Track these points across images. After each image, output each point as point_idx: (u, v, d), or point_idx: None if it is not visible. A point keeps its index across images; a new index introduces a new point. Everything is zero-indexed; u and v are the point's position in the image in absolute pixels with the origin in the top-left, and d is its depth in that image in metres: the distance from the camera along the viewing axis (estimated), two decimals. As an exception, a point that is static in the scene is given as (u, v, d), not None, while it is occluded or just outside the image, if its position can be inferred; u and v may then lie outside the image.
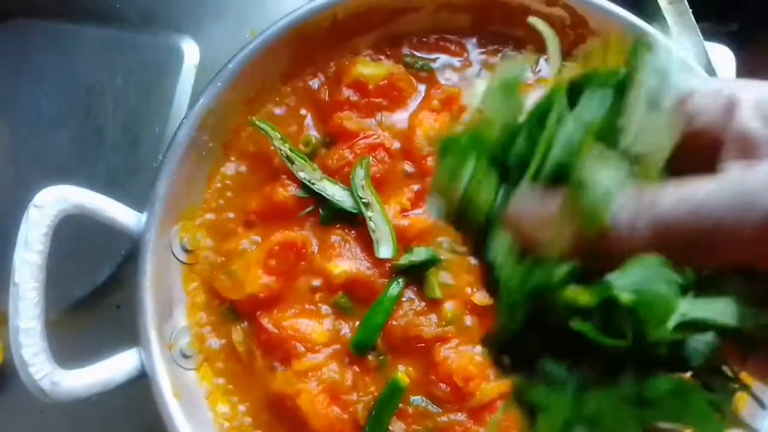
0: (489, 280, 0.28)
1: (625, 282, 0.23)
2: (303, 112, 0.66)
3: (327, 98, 0.66)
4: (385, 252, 0.59)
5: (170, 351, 0.57)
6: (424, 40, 0.68)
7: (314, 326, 0.59)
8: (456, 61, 0.68)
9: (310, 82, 0.67)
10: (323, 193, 0.61)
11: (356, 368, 0.58)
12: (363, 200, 0.60)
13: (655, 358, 0.24)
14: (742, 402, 0.55)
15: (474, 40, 0.69)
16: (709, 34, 0.73)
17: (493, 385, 0.56)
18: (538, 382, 0.27)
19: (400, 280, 0.59)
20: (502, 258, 0.27)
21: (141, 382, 0.55)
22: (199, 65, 0.75)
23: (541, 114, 0.27)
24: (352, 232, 0.61)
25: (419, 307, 0.59)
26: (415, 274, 0.59)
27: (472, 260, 0.58)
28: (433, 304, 0.59)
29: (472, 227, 0.29)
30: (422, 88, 0.67)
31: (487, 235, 0.28)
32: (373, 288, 0.59)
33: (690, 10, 0.71)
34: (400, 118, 0.65)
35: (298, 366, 0.57)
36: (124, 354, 0.54)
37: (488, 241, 0.28)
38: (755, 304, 0.24)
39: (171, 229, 0.60)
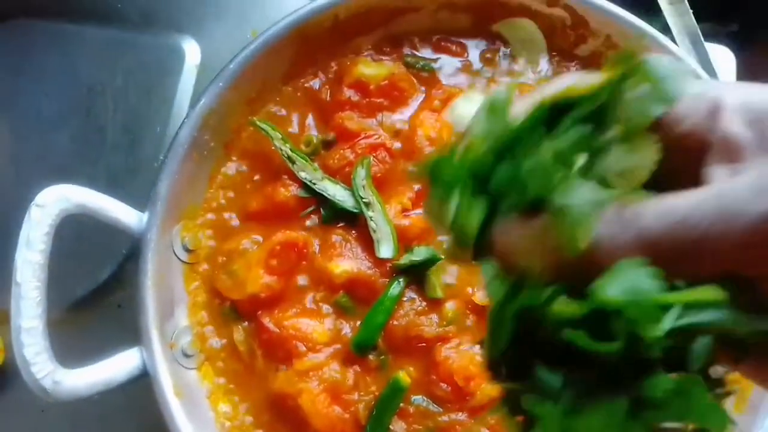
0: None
1: (612, 286, 0.23)
2: (304, 112, 0.66)
3: (328, 98, 0.66)
4: (385, 252, 0.59)
5: (172, 350, 0.57)
6: (425, 40, 0.68)
7: (315, 326, 0.59)
8: (457, 62, 0.68)
9: (312, 82, 0.67)
10: (324, 193, 0.61)
11: (357, 368, 0.58)
12: (364, 200, 0.60)
13: (650, 364, 0.24)
14: (743, 403, 0.55)
15: (475, 40, 0.69)
16: (710, 35, 0.74)
17: (493, 385, 0.56)
18: (533, 391, 0.27)
19: (400, 279, 0.59)
20: (489, 281, 0.28)
21: (142, 382, 0.55)
22: (200, 65, 0.76)
23: (521, 137, 0.27)
24: (353, 231, 0.61)
25: (420, 307, 0.59)
26: (416, 274, 0.60)
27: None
28: (434, 304, 0.59)
29: (466, 251, 0.29)
30: (423, 88, 0.67)
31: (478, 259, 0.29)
32: (374, 288, 0.59)
33: (690, 11, 0.72)
34: (401, 118, 0.65)
35: (300, 365, 0.57)
36: (125, 353, 0.54)
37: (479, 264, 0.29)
38: (745, 310, 0.24)
39: (172, 228, 0.60)
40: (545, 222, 0.25)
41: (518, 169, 0.26)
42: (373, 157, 0.62)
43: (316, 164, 0.63)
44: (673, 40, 0.69)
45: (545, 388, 0.26)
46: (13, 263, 0.51)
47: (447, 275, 0.60)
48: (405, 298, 0.59)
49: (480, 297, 0.59)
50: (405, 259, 0.59)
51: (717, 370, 0.26)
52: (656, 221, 0.24)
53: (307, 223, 0.62)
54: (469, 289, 0.59)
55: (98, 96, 0.76)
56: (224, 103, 0.61)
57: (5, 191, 0.72)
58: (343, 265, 0.59)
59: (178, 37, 0.77)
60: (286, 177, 0.63)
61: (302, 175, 0.62)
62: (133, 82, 0.75)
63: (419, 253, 0.59)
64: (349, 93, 0.65)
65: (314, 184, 0.61)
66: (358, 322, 0.59)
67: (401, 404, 0.57)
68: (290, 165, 0.62)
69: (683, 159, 0.27)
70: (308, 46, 0.65)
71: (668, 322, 0.23)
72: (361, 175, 0.61)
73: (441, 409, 0.57)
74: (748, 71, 0.76)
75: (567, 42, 0.67)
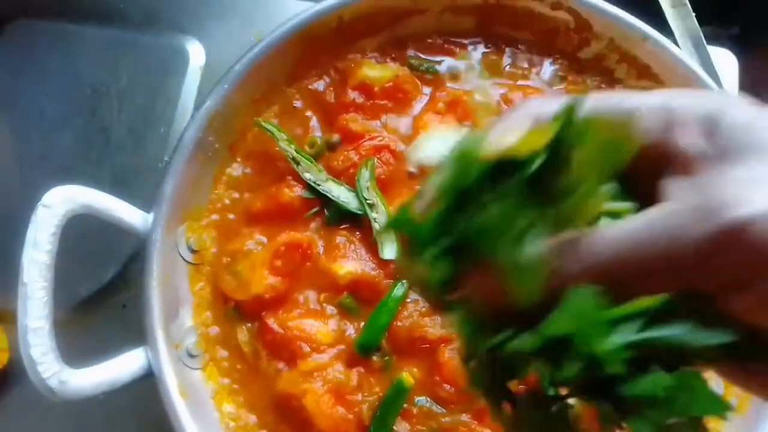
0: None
1: (561, 316, 0.25)
2: (309, 113, 0.66)
3: (332, 100, 0.66)
4: (389, 253, 0.59)
5: (176, 351, 0.57)
6: (430, 42, 0.69)
7: (319, 327, 0.59)
8: (461, 64, 0.68)
9: (316, 84, 0.67)
10: (328, 195, 0.62)
11: (361, 369, 0.58)
12: (368, 201, 0.61)
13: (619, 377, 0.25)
14: (745, 404, 0.55)
15: (479, 42, 0.69)
16: (711, 38, 0.74)
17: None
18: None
19: (404, 281, 0.60)
20: (457, 327, 0.29)
21: (147, 382, 0.55)
22: (205, 66, 0.76)
23: (471, 192, 0.27)
24: (357, 233, 0.62)
25: (424, 308, 0.59)
26: (420, 275, 0.60)
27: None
28: (438, 305, 0.59)
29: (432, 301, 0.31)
30: (427, 90, 0.67)
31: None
32: (378, 289, 0.60)
33: (693, 14, 0.72)
34: (405, 120, 0.66)
35: (304, 366, 0.57)
36: (130, 353, 0.55)
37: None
38: (707, 324, 0.24)
39: (177, 229, 0.60)
40: (498, 274, 0.26)
41: (469, 225, 0.27)
42: (377, 158, 0.63)
43: (320, 165, 0.63)
44: (675, 43, 0.69)
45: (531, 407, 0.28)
46: (20, 263, 0.51)
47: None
48: (409, 300, 0.59)
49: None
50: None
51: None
52: (605, 249, 0.25)
53: (312, 224, 0.62)
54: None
55: (102, 97, 0.76)
56: (229, 104, 0.61)
57: (10, 192, 0.72)
58: (347, 267, 0.60)
59: (182, 38, 0.77)
60: (290, 178, 0.63)
61: (307, 176, 0.62)
62: (137, 83, 0.76)
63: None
64: (353, 95, 0.65)
65: (318, 185, 0.62)
66: (362, 323, 0.59)
67: (405, 405, 0.57)
68: (295, 166, 0.62)
69: (646, 172, 0.27)
70: (313, 48, 0.65)
71: (619, 337, 0.24)
72: (365, 176, 0.61)
73: (444, 410, 0.57)
74: (749, 74, 0.76)
75: (570, 45, 0.67)
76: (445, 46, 0.69)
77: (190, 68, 0.76)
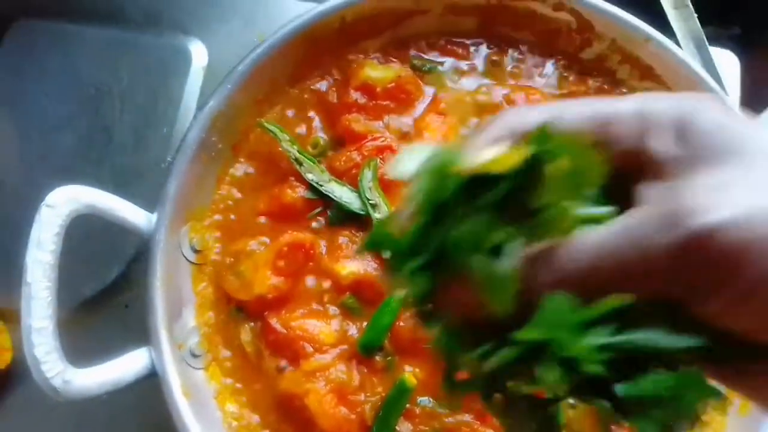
0: None
1: (535, 324, 0.25)
2: (311, 114, 0.67)
3: (335, 100, 0.66)
4: (392, 253, 0.59)
5: (180, 350, 0.57)
6: (432, 43, 0.69)
7: (322, 327, 0.59)
8: (463, 64, 0.68)
9: (318, 85, 0.67)
10: (331, 195, 0.62)
11: (364, 369, 0.58)
12: (370, 202, 0.61)
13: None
14: (747, 404, 0.55)
15: (481, 43, 0.69)
16: (713, 39, 0.74)
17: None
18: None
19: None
20: (436, 341, 0.30)
21: (150, 381, 0.55)
22: (207, 67, 0.76)
23: (447, 206, 0.28)
24: (360, 233, 0.62)
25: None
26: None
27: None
28: (440, 305, 0.59)
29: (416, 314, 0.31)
30: (430, 91, 0.67)
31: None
32: (381, 289, 0.59)
33: (695, 15, 0.72)
34: (407, 120, 0.66)
35: (306, 366, 0.57)
36: (134, 353, 0.55)
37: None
38: (681, 329, 0.25)
39: (180, 229, 0.60)
40: (475, 286, 0.26)
41: (446, 239, 0.27)
42: (380, 159, 0.63)
43: (323, 166, 0.63)
44: (677, 44, 0.69)
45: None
46: (23, 263, 0.51)
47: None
48: (411, 300, 0.59)
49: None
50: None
51: None
52: (576, 258, 0.26)
53: (314, 224, 0.62)
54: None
55: (104, 97, 0.76)
56: (232, 104, 0.61)
57: (13, 192, 0.72)
58: (350, 267, 0.60)
59: (185, 38, 0.78)
60: (293, 179, 0.63)
61: (309, 176, 0.62)
62: (139, 83, 0.76)
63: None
64: (355, 95, 0.65)
65: (321, 185, 0.62)
66: (365, 323, 0.59)
67: (407, 405, 0.57)
68: (297, 167, 0.62)
69: (626, 177, 0.27)
70: (315, 49, 0.65)
71: (592, 339, 0.24)
72: (367, 177, 0.61)
73: (447, 410, 0.57)
74: (750, 74, 0.76)
75: (572, 46, 0.67)
76: (448, 46, 0.69)
77: (193, 69, 0.76)
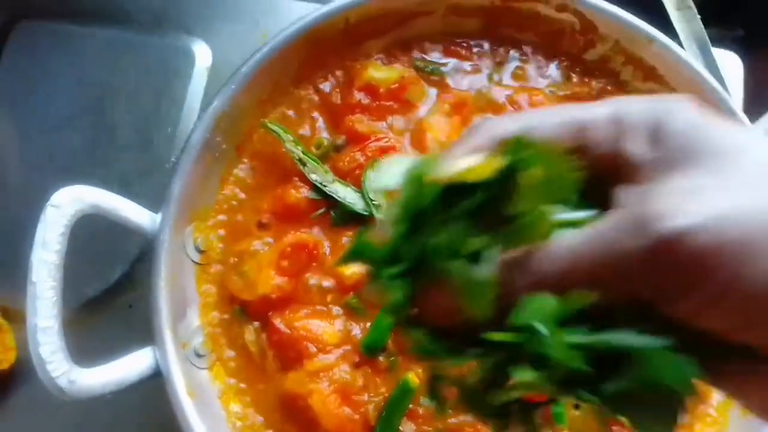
0: None
1: (515, 318, 0.26)
2: (315, 114, 0.67)
3: (339, 101, 0.66)
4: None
5: (184, 350, 0.57)
6: (435, 44, 0.69)
7: (326, 327, 0.59)
8: (466, 65, 0.68)
9: (322, 85, 0.67)
10: (335, 195, 0.62)
11: (367, 369, 0.59)
12: (374, 202, 0.61)
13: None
14: (750, 404, 0.55)
15: (484, 44, 0.69)
16: (715, 40, 0.74)
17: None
18: None
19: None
20: (416, 348, 0.30)
21: (154, 381, 0.55)
22: (211, 68, 0.76)
23: (424, 214, 0.28)
24: (364, 233, 0.62)
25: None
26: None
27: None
28: (444, 306, 0.59)
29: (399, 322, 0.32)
30: (433, 92, 0.67)
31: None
32: (384, 289, 0.60)
33: (698, 17, 0.72)
34: (411, 121, 0.66)
35: (310, 366, 0.58)
36: (138, 353, 0.55)
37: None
38: (660, 331, 0.25)
39: (185, 229, 0.60)
40: (453, 292, 0.27)
41: (425, 246, 0.28)
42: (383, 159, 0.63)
43: (326, 167, 0.63)
44: (680, 45, 0.69)
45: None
46: (27, 263, 0.51)
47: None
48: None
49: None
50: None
51: None
52: (551, 262, 0.26)
53: (318, 225, 0.63)
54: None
55: (109, 97, 0.76)
56: (236, 105, 0.61)
57: (17, 192, 0.72)
58: (354, 267, 0.60)
59: (188, 39, 0.78)
60: (297, 179, 0.63)
61: (313, 177, 0.62)
62: (143, 84, 0.76)
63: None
64: (359, 96, 0.65)
65: (325, 186, 0.62)
66: (368, 324, 0.59)
67: (410, 405, 0.57)
68: (301, 167, 0.62)
69: (605, 180, 0.28)
70: (319, 50, 0.65)
71: (567, 335, 0.25)
72: (371, 177, 0.62)
73: (450, 411, 0.58)
74: (753, 76, 0.77)
75: (576, 47, 0.67)
76: (451, 47, 0.69)
77: (196, 69, 0.76)
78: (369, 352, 0.58)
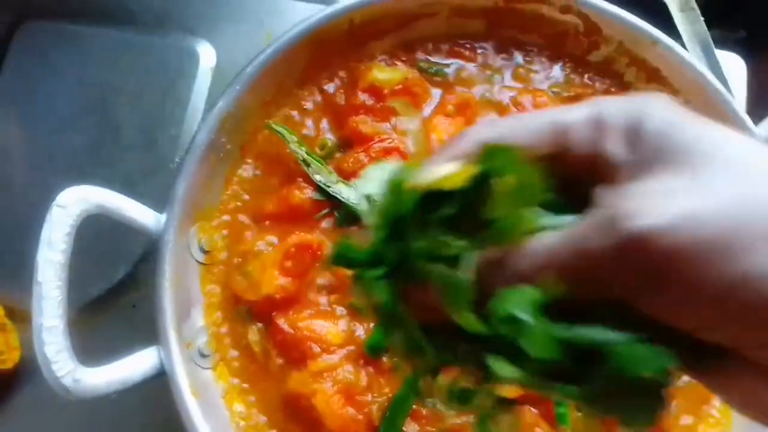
0: None
1: (493, 306, 0.26)
2: (319, 115, 0.67)
3: (343, 102, 0.66)
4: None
5: (188, 350, 0.58)
6: (439, 45, 0.69)
7: (329, 327, 0.59)
8: (470, 67, 0.69)
9: (326, 86, 0.67)
10: (339, 196, 0.62)
11: (371, 369, 0.59)
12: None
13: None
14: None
15: (488, 45, 0.69)
16: (719, 42, 0.74)
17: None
18: None
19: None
20: (399, 349, 0.31)
21: (158, 381, 0.55)
22: (215, 68, 0.76)
23: (405, 219, 0.29)
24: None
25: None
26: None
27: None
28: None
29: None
30: (437, 93, 0.67)
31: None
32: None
33: (702, 19, 0.72)
34: (414, 122, 0.66)
35: (314, 366, 0.58)
36: (143, 352, 0.55)
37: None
38: (637, 330, 0.25)
39: (189, 229, 0.60)
40: (434, 292, 0.28)
41: (405, 249, 0.29)
42: (387, 160, 0.63)
43: (330, 167, 0.63)
44: (684, 47, 0.69)
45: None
46: (32, 262, 0.51)
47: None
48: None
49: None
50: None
51: None
52: (527, 262, 0.27)
53: (322, 225, 0.63)
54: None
55: (113, 98, 0.76)
56: (241, 106, 0.62)
57: (22, 192, 0.72)
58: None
59: (193, 40, 0.78)
60: (300, 180, 0.63)
61: (317, 178, 0.62)
62: (147, 85, 0.76)
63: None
64: (363, 97, 0.65)
65: (329, 187, 0.62)
66: (372, 324, 0.60)
67: (414, 406, 0.57)
68: (305, 168, 0.62)
69: (586, 181, 0.28)
70: (323, 51, 0.65)
71: (551, 328, 0.26)
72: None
73: (454, 411, 0.58)
74: (757, 78, 0.77)
75: (580, 48, 0.67)
76: (455, 49, 0.69)
77: (201, 70, 0.76)
78: (373, 353, 0.59)
